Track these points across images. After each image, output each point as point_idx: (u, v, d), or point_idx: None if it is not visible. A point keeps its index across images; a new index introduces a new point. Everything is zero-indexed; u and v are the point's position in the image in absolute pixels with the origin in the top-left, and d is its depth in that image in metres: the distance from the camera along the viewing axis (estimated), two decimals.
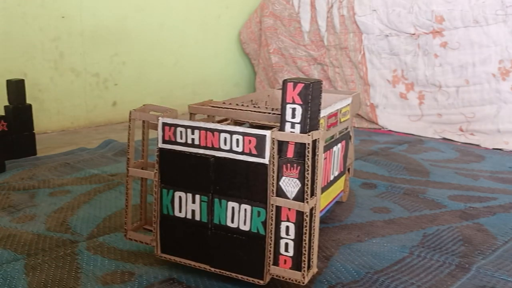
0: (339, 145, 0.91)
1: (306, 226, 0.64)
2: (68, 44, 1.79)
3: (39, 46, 1.72)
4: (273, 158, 0.64)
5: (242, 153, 0.65)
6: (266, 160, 0.64)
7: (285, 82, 0.64)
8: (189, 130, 0.68)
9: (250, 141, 0.64)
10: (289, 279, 0.67)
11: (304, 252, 0.65)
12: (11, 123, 1.35)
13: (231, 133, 0.65)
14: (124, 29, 1.94)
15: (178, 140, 0.69)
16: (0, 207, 1.01)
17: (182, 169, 0.70)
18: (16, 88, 1.36)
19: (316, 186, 0.65)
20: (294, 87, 0.63)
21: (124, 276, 0.74)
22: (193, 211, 0.70)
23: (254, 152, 0.64)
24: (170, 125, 0.70)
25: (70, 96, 1.82)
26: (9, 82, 1.37)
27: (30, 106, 1.40)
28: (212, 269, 0.70)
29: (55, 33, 1.75)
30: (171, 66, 2.13)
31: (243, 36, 2.33)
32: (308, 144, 0.63)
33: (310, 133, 0.63)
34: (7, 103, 1.38)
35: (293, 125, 0.64)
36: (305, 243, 0.65)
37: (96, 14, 1.85)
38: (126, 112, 0.75)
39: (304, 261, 0.65)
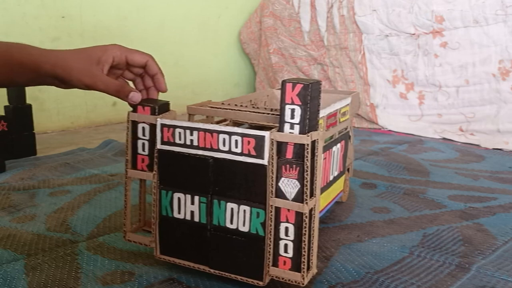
0: (339, 145, 0.91)
1: (305, 227, 0.64)
2: (68, 44, 1.78)
3: (39, 46, 1.72)
4: (272, 159, 0.64)
5: (241, 154, 0.65)
6: (265, 161, 0.64)
7: (284, 82, 0.63)
8: (187, 131, 0.68)
9: (249, 142, 0.64)
10: (289, 280, 0.66)
11: (303, 253, 0.65)
12: (11, 123, 1.35)
13: (230, 134, 0.65)
14: (124, 29, 1.94)
15: (177, 141, 0.69)
16: (0, 207, 1.01)
17: (181, 170, 0.70)
18: (16, 88, 1.36)
19: (315, 187, 0.65)
20: (293, 87, 0.63)
21: (124, 276, 0.74)
22: (192, 212, 0.70)
23: (253, 153, 0.64)
24: (169, 126, 0.70)
25: (70, 96, 1.82)
26: None
27: (30, 106, 1.41)
28: (212, 270, 0.70)
29: (55, 33, 1.75)
30: (171, 66, 2.13)
31: (243, 36, 2.33)
32: (307, 145, 0.63)
33: (309, 134, 0.63)
34: (7, 103, 1.38)
35: (292, 126, 0.64)
36: (305, 244, 0.65)
37: (96, 14, 1.85)
38: (126, 112, 0.75)
39: (304, 262, 0.65)
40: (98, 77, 0.67)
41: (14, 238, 0.87)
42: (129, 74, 0.76)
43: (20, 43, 0.70)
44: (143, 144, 0.74)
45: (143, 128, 0.73)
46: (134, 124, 0.74)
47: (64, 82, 0.69)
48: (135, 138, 0.74)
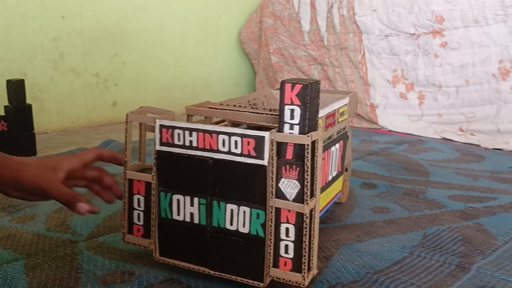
0: (337, 145, 0.91)
1: (306, 228, 0.64)
2: (68, 44, 1.79)
3: (39, 46, 1.72)
4: (272, 159, 0.64)
5: (241, 154, 0.65)
6: (265, 162, 0.64)
7: (283, 83, 0.63)
8: (186, 132, 0.68)
9: (248, 142, 0.64)
10: (289, 281, 0.66)
11: (304, 253, 0.65)
12: (11, 123, 1.35)
13: (230, 134, 0.65)
14: (124, 29, 1.94)
15: (176, 142, 0.69)
16: (0, 207, 1.01)
17: (180, 171, 0.70)
18: (16, 88, 1.37)
19: (315, 187, 0.65)
20: (292, 88, 0.63)
21: (124, 276, 0.74)
22: (191, 214, 0.70)
23: (252, 153, 0.64)
24: (168, 127, 0.69)
25: (70, 96, 1.82)
26: (9, 82, 1.37)
27: (30, 106, 1.41)
28: (212, 272, 0.70)
29: (55, 33, 1.75)
30: (171, 66, 2.13)
31: (243, 36, 2.33)
32: (307, 145, 0.63)
33: (309, 134, 0.63)
34: (7, 103, 1.38)
35: (291, 126, 0.63)
36: (305, 245, 0.65)
37: (96, 14, 1.85)
38: (126, 112, 0.75)
39: (304, 262, 0.65)
40: (53, 184, 0.69)
41: (14, 238, 0.87)
42: (84, 182, 0.79)
43: None
44: (138, 214, 0.75)
45: (138, 200, 0.75)
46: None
47: (18, 189, 0.70)
48: (131, 208, 0.76)
